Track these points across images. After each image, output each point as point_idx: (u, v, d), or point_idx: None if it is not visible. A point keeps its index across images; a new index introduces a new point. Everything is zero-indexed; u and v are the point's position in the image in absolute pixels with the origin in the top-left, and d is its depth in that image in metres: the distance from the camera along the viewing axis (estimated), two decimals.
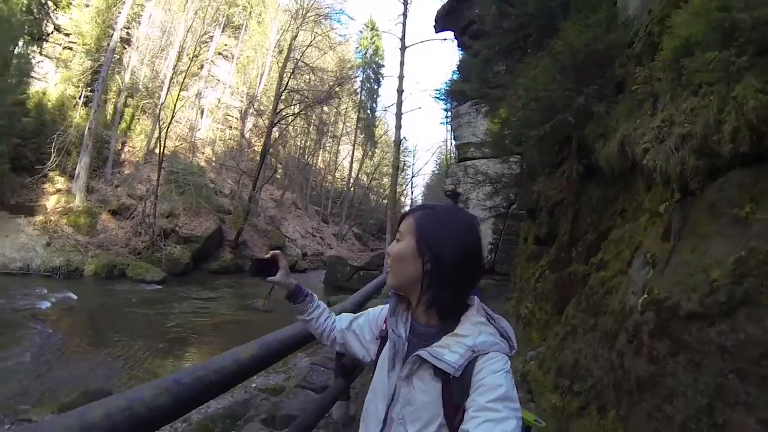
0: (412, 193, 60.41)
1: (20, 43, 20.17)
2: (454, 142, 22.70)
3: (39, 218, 19.23)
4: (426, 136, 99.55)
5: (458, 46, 21.04)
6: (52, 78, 24.08)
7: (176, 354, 10.10)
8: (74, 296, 14.07)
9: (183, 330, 11.87)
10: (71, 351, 9.57)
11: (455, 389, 1.06)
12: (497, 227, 14.89)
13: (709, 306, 2.31)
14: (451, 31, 20.12)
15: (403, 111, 21.62)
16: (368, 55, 51.31)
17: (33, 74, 22.17)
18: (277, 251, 1.57)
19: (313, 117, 32.28)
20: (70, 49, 24.71)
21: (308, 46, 28.90)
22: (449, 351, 1.08)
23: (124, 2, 24.32)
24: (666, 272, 2.86)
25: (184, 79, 25.68)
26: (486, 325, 1.17)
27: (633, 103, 4.27)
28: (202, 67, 30.61)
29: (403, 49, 21.68)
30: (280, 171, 32.13)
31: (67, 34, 24.56)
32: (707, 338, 2.28)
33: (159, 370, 8.83)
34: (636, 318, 2.93)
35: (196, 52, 28.57)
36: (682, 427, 2.31)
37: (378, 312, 1.48)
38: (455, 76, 19.25)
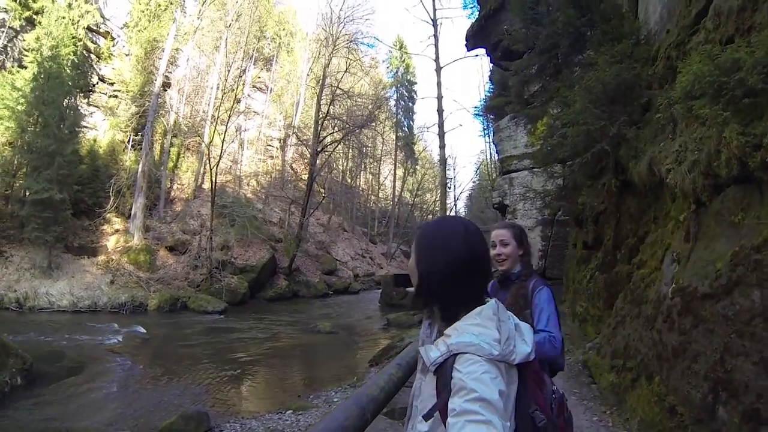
0: (455, 206, 60.73)
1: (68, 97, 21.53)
2: (497, 156, 23.35)
3: (101, 258, 20.47)
4: (465, 148, 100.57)
5: (491, 62, 21.94)
6: (101, 126, 25.88)
7: (249, 377, 10.62)
8: (143, 330, 14.69)
9: (250, 354, 12.35)
10: (152, 380, 9.97)
11: (440, 384, 1.11)
12: (545, 234, 15.37)
13: (716, 288, 3.23)
14: (483, 48, 21.00)
15: (445, 130, 22.52)
16: (400, 74, 51.92)
17: (84, 124, 23.58)
18: None
19: (353, 140, 33.11)
20: (116, 96, 26.46)
21: (345, 72, 29.62)
22: (435, 348, 1.14)
23: (163, 49, 25.98)
24: (687, 266, 3.78)
25: (229, 116, 26.91)
26: (479, 326, 1.14)
27: (657, 126, 5.16)
28: (239, 101, 31.79)
29: (438, 70, 22.62)
30: (324, 195, 33.00)
31: (111, 83, 26.34)
32: (716, 311, 3.20)
33: (236, 392, 9.51)
34: (668, 303, 3.84)
35: (232, 87, 29.91)
36: (705, 378, 3.22)
37: None
38: (488, 93, 19.94)
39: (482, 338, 1.10)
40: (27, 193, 18.22)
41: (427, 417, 1.11)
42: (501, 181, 19.04)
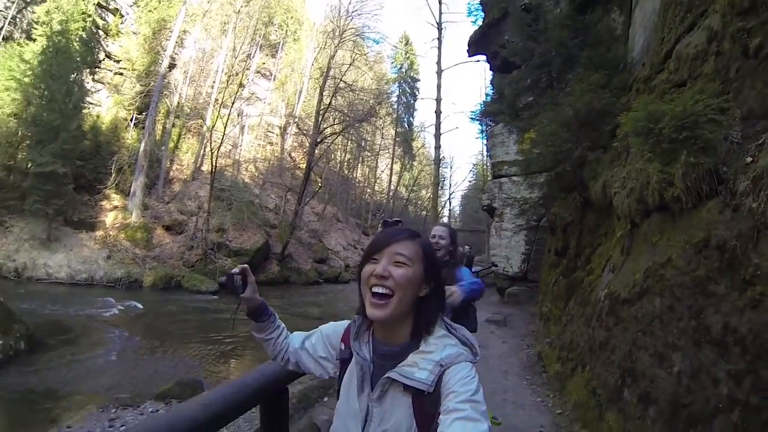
0: (449, 204, 61.06)
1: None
2: (489, 160, 24.10)
3: (99, 233, 20.96)
4: (463, 149, 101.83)
5: (491, 68, 22.59)
6: (104, 102, 26.25)
7: (239, 352, 11.10)
8: (139, 305, 15.21)
9: (240, 333, 12.69)
10: (148, 351, 10.51)
11: (426, 402, 1.11)
12: (530, 239, 15.92)
13: (632, 294, 3.99)
14: (484, 55, 21.64)
15: (441, 131, 23.23)
16: (403, 70, 52.18)
17: (88, 100, 23.81)
18: (246, 266, 1.51)
19: (353, 133, 33.39)
20: (121, 74, 26.87)
21: (349, 65, 29.98)
22: (418, 369, 1.13)
23: (172, 30, 26.42)
24: (618, 275, 4.54)
25: (233, 101, 27.43)
26: (448, 337, 1.21)
27: (615, 153, 5.90)
28: (243, 86, 32.05)
29: (439, 72, 23.38)
30: (321, 185, 33.38)
31: (117, 61, 26.74)
32: (630, 313, 3.96)
33: (227, 365, 10.04)
34: (600, 305, 4.61)
35: (236, 71, 30.36)
36: (618, 366, 3.99)
37: (331, 329, 1.50)
38: (488, 98, 20.53)
39: (460, 347, 1.19)
40: (30, 166, 18.58)
41: None
42: (491, 185, 19.49)
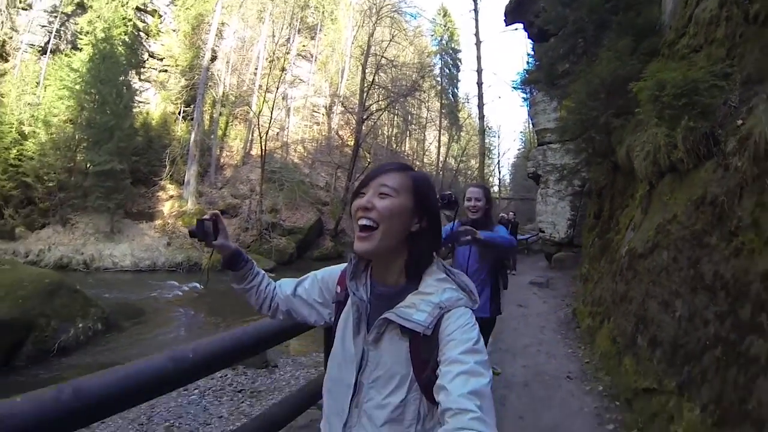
0: (499, 173, 60.59)
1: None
2: (533, 128, 23.99)
3: (158, 222, 22.58)
4: (509, 118, 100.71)
5: (528, 37, 22.35)
6: (152, 99, 27.91)
7: None
8: (200, 286, 16.15)
9: None
10: (212, 326, 11.22)
11: (424, 346, 1.06)
12: (575, 205, 15.89)
13: (646, 249, 4.39)
14: (521, 23, 21.41)
15: (484, 102, 23.31)
16: (444, 42, 51.46)
17: (137, 98, 25.63)
18: (217, 212, 1.44)
19: (398, 107, 33.38)
20: (165, 71, 28.46)
21: (389, 42, 30.23)
22: (416, 310, 1.08)
23: (210, 23, 27.41)
24: (637, 233, 4.91)
25: (278, 86, 28.33)
26: (447, 281, 1.16)
27: (638, 119, 6.16)
28: (284, 70, 32.21)
29: (478, 44, 23.32)
30: (369, 161, 33.65)
31: (161, 59, 28.26)
32: (644, 266, 4.36)
33: None
34: (622, 261, 5.00)
35: (277, 56, 31.13)
36: (633, 315, 4.41)
37: (328, 274, 1.44)
38: (530, 66, 20.33)
39: (459, 292, 1.13)
40: (89, 166, 20.16)
41: (425, 381, 1.06)
42: (536, 152, 19.46)
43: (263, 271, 1.52)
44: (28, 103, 21.23)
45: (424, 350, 1.06)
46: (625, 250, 5.02)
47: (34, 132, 20.24)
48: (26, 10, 23.36)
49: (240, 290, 1.47)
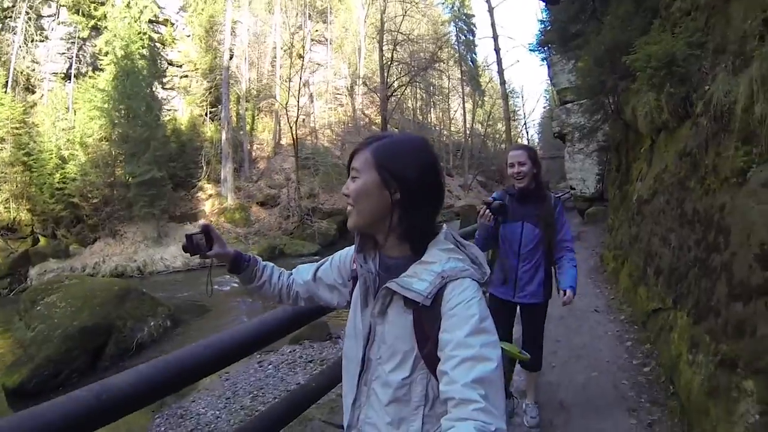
0: (527, 134, 60.24)
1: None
2: (553, 88, 24.24)
3: (202, 222, 22.99)
4: (531, 78, 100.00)
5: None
6: (179, 105, 28.91)
7: None
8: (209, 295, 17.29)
9: None
10: (270, 309, 12.31)
11: (426, 319, 1.03)
12: (602, 159, 16.18)
13: (649, 195, 5.27)
14: None
15: (504, 68, 23.69)
16: (456, 8, 50.85)
17: (165, 107, 26.64)
18: (207, 224, 1.44)
19: (420, 81, 34.29)
20: (186, 76, 29.26)
21: (403, 16, 29.86)
22: (417, 279, 1.04)
23: (223, 23, 27.98)
24: (644, 182, 5.75)
25: (300, 75, 28.62)
26: (454, 251, 1.11)
27: (641, 82, 6.91)
28: (301, 57, 32.26)
29: (490, 10, 23.65)
30: None
31: (180, 65, 29.06)
32: (648, 210, 5.24)
33: (337, 311, 11.39)
34: (633, 206, 5.86)
35: (293, 43, 31.66)
36: (642, 252, 5.30)
37: (345, 254, 1.43)
38: (546, 26, 20.48)
39: (467, 263, 1.08)
40: (128, 178, 21.28)
41: (428, 356, 1.02)
42: (559, 111, 19.80)
43: (271, 264, 1.55)
44: (62, 129, 22.30)
45: (427, 323, 1.03)
46: (635, 198, 5.87)
47: (73, 154, 21.35)
48: (43, 41, 24.43)
49: (254, 289, 1.52)
